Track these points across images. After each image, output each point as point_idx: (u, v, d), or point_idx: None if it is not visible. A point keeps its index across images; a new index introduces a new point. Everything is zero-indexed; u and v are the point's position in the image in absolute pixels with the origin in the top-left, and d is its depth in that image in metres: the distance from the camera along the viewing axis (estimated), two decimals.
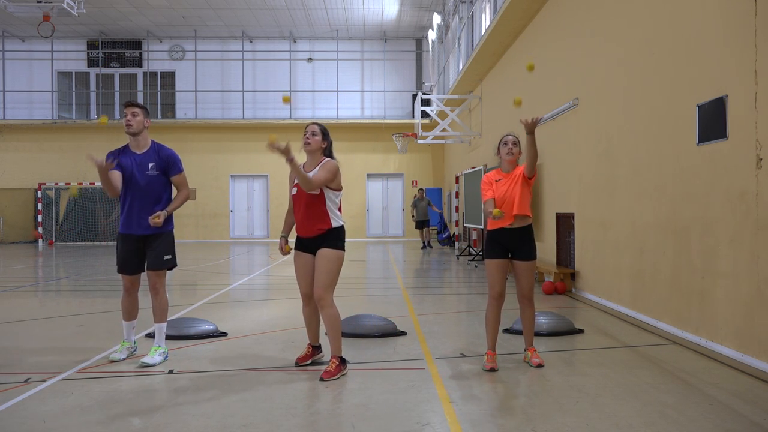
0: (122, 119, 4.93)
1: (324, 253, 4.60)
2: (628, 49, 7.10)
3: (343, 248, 4.69)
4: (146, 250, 4.96)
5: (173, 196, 5.08)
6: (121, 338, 5.90)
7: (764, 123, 4.62)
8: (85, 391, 4.22)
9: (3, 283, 10.76)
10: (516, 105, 5.35)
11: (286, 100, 4.77)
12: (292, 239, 4.86)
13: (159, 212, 4.82)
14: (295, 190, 4.71)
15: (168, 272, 5.13)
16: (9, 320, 6.94)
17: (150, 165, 4.91)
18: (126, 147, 5.00)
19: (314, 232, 4.64)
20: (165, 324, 5.08)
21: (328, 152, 4.79)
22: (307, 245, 4.72)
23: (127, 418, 3.68)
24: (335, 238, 4.66)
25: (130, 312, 5.09)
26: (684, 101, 5.77)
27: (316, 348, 4.92)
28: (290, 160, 4.26)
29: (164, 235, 5.01)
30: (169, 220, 5.00)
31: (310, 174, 4.58)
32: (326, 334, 4.72)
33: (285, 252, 4.80)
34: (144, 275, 5.09)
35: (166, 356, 5.04)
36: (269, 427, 3.52)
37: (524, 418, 3.67)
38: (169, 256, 5.03)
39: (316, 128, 4.74)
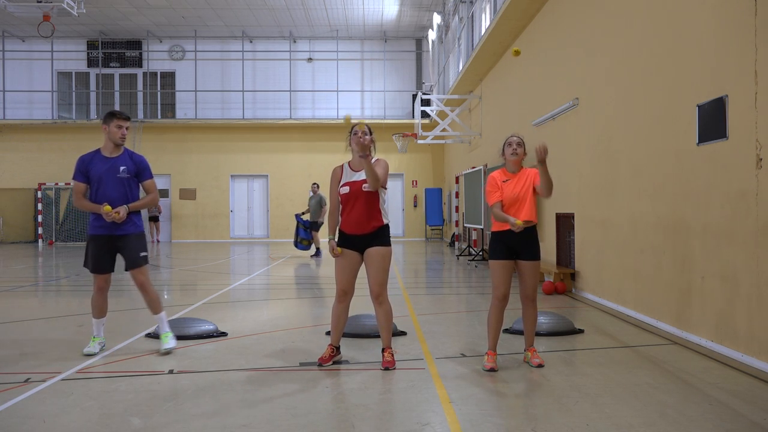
0: (117, 130, 5.19)
1: (378, 251, 4.78)
2: (628, 48, 7.10)
3: (391, 244, 4.89)
4: (120, 252, 5.25)
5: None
6: (121, 337, 5.91)
7: (764, 123, 4.62)
8: (85, 391, 4.22)
9: (3, 283, 10.75)
10: (515, 54, 5.45)
11: (348, 120, 4.83)
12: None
13: (119, 207, 5.09)
14: (347, 188, 4.77)
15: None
16: (9, 320, 6.94)
17: (122, 168, 5.21)
18: (98, 152, 5.27)
19: (369, 229, 4.76)
20: (164, 312, 5.37)
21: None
22: (355, 243, 4.80)
23: (127, 418, 3.68)
24: (386, 234, 4.85)
25: (102, 309, 5.32)
26: (684, 101, 5.77)
27: (337, 349, 4.93)
28: (366, 156, 4.59)
29: (137, 235, 5.32)
30: (137, 221, 5.32)
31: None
32: (379, 327, 4.90)
33: (338, 254, 4.79)
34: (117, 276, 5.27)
35: (174, 338, 5.40)
36: (269, 427, 3.52)
37: (524, 418, 3.68)
38: (145, 253, 5.37)
39: (366, 128, 4.85)
